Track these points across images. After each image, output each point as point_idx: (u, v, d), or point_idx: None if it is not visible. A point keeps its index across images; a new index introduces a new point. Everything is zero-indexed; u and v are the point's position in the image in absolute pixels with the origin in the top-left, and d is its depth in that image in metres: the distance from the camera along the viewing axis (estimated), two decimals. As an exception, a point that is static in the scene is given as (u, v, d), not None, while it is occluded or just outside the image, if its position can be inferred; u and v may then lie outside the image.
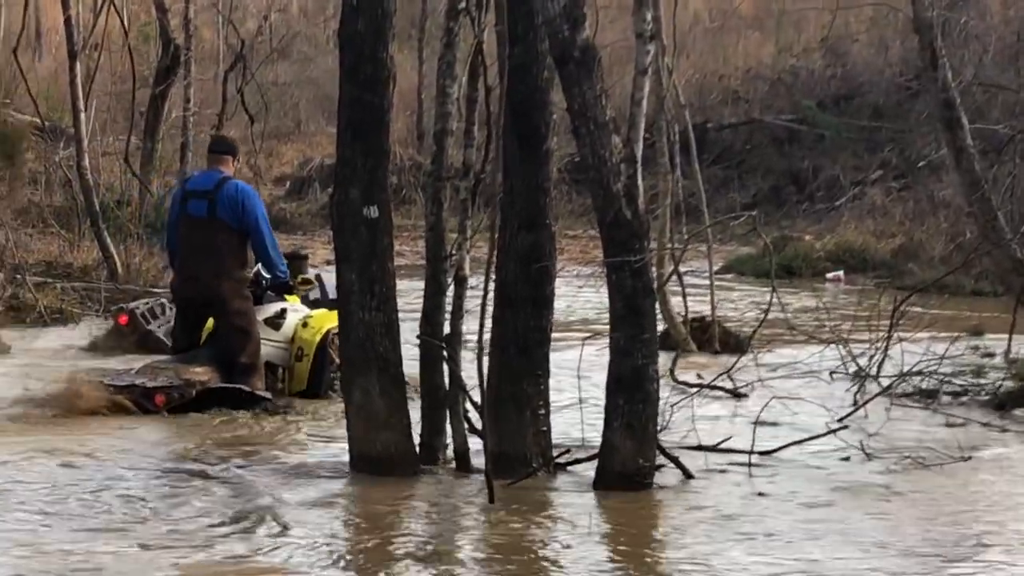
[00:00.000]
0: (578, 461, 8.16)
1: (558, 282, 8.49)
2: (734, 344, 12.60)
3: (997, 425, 9.89)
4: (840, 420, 9.34)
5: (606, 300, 7.87)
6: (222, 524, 7.11)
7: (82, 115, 16.77)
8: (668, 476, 8.04)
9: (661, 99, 12.88)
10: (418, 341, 8.31)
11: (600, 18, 8.91)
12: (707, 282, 13.78)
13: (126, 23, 19.75)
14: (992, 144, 17.54)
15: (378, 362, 8.10)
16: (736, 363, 10.47)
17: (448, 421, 8.28)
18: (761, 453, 8.63)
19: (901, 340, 10.99)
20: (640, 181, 7.69)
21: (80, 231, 16.92)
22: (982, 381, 10.83)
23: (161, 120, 19.35)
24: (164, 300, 13.01)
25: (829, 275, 19.90)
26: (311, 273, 11.50)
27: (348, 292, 8.16)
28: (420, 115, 27.82)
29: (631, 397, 7.69)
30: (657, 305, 8.33)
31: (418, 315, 8.35)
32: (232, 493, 7.75)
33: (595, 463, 7.91)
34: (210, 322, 10.43)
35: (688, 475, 8.12)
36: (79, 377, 10.17)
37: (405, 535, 7.11)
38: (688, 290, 13.26)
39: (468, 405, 8.24)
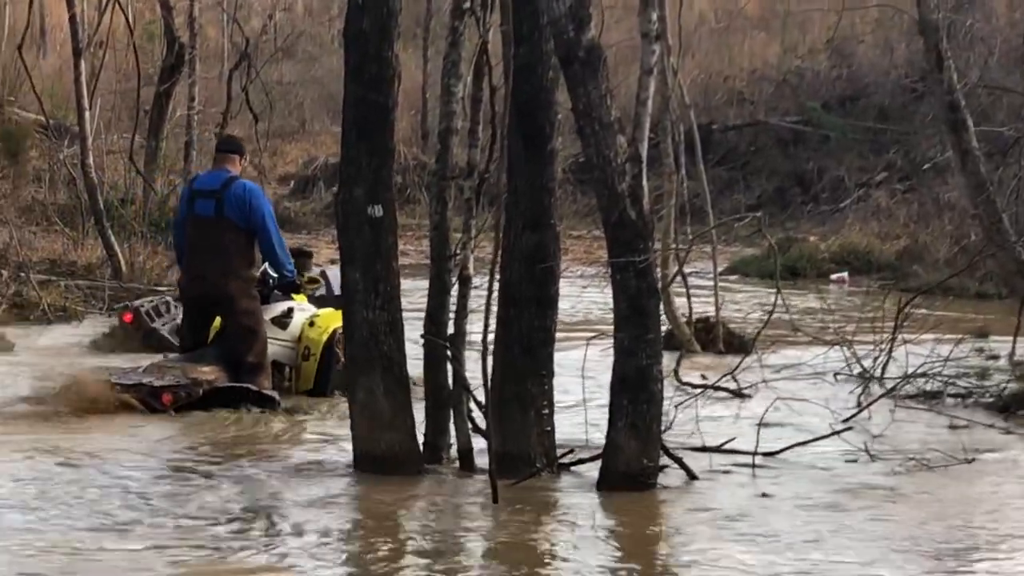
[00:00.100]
0: (582, 461, 8.16)
1: (562, 282, 8.49)
2: (738, 345, 12.59)
3: (1001, 427, 9.88)
4: (844, 422, 9.33)
5: (610, 300, 7.86)
6: (226, 523, 7.11)
7: (86, 113, 16.78)
8: (672, 477, 8.04)
9: (666, 99, 12.87)
10: (422, 340, 8.30)
11: (605, 18, 8.92)
12: (711, 283, 13.76)
13: (131, 21, 19.73)
14: (997, 146, 17.51)
15: (382, 361, 8.10)
16: (740, 364, 10.48)
17: (452, 421, 8.28)
18: (765, 454, 8.63)
19: (905, 342, 10.99)
20: (645, 181, 7.68)
21: (84, 229, 16.93)
22: (986, 383, 10.82)
23: (165, 118, 19.37)
24: (168, 298, 13.02)
25: (833, 276, 19.88)
26: (315, 270, 11.51)
27: (352, 291, 8.16)
28: (425, 114, 27.80)
29: (635, 397, 7.69)
30: (661, 306, 8.32)
31: (422, 314, 8.35)
32: (236, 492, 7.75)
33: (599, 463, 7.91)
34: (217, 321, 10.43)
35: (692, 476, 8.11)
36: (85, 376, 10.17)
37: (408, 534, 7.12)
38: (692, 291, 13.25)
39: (472, 405, 8.24)
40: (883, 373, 10.93)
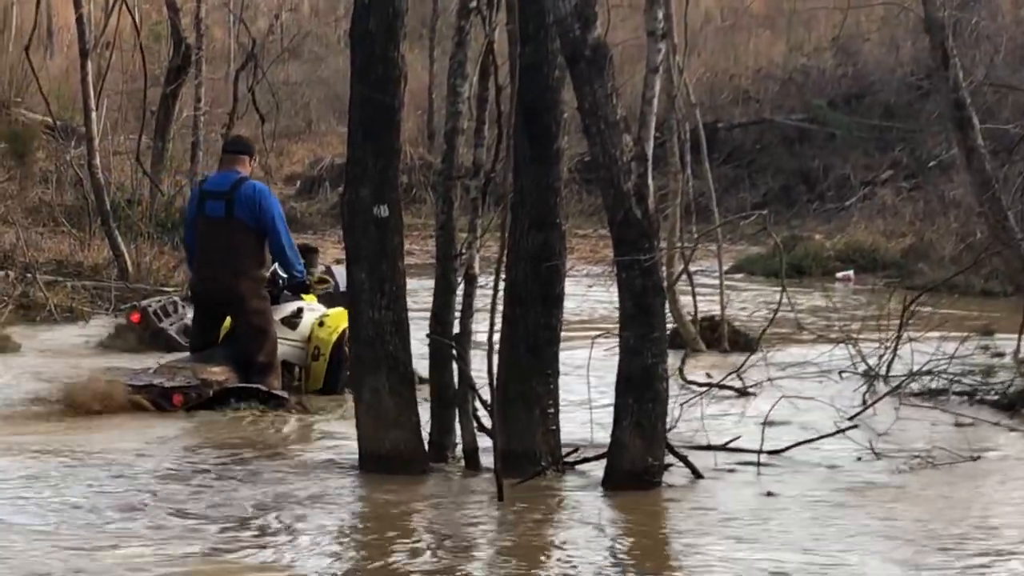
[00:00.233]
0: (587, 460, 8.17)
1: (568, 281, 8.50)
2: (743, 343, 12.60)
3: (1007, 425, 9.87)
4: (849, 420, 9.34)
5: (616, 299, 7.87)
6: (231, 521, 7.13)
7: (93, 114, 16.79)
8: (677, 475, 8.04)
9: (672, 98, 12.87)
10: (428, 340, 8.32)
11: (611, 17, 8.90)
12: (717, 281, 13.77)
13: (138, 22, 19.78)
14: (1003, 144, 17.53)
15: (388, 361, 8.12)
16: (745, 362, 10.49)
17: (457, 420, 8.30)
18: (770, 452, 8.63)
19: (911, 340, 10.99)
20: (650, 180, 7.69)
21: (91, 230, 16.95)
22: (992, 381, 10.81)
23: (172, 119, 19.41)
24: (176, 298, 13.06)
25: (839, 275, 19.89)
26: (321, 268, 11.53)
27: (358, 291, 8.17)
28: (431, 114, 27.84)
29: (640, 396, 7.69)
30: (667, 304, 8.34)
31: (428, 314, 8.36)
32: (241, 490, 7.76)
33: (604, 462, 7.92)
34: (227, 321, 10.45)
35: (697, 474, 8.12)
36: (95, 376, 10.19)
37: (414, 533, 7.13)
38: (698, 289, 13.27)
39: (477, 404, 8.25)
40: (888, 371, 10.93)
